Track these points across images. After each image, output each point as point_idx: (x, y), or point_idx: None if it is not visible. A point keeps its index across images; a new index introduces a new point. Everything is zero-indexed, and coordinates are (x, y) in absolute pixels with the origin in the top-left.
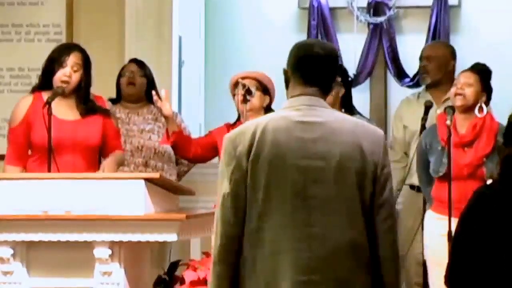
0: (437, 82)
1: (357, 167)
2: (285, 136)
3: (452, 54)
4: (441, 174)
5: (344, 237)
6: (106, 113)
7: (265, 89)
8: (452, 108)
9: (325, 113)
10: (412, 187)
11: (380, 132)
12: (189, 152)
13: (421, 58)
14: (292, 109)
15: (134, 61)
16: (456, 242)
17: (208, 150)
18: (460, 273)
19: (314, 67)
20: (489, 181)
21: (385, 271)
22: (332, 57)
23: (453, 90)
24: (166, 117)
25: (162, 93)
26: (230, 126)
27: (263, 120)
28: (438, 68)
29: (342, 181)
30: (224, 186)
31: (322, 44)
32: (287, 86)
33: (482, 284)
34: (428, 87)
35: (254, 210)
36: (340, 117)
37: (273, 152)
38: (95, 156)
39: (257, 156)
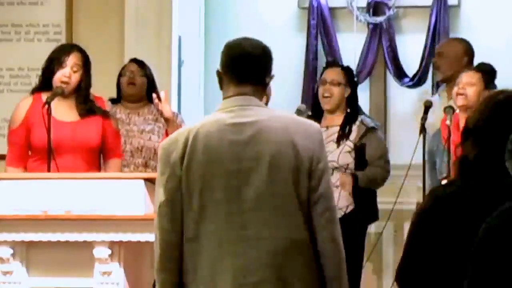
0: (449, 78)
1: (291, 164)
2: (217, 140)
3: (466, 50)
4: (444, 175)
5: (280, 236)
6: (105, 114)
7: None
8: (452, 108)
9: (258, 112)
10: None
11: (316, 126)
12: None
13: (434, 54)
14: (225, 111)
15: (134, 60)
16: (411, 240)
17: None
18: (412, 273)
19: (246, 66)
20: (444, 181)
21: (325, 265)
22: (264, 54)
23: (455, 89)
24: (166, 119)
25: (162, 94)
26: None
27: (195, 126)
28: (449, 65)
29: (275, 180)
30: (159, 195)
31: (253, 42)
32: (221, 87)
33: (434, 284)
34: (442, 82)
35: (190, 217)
36: (273, 115)
37: (205, 158)
38: (95, 157)
39: (190, 163)
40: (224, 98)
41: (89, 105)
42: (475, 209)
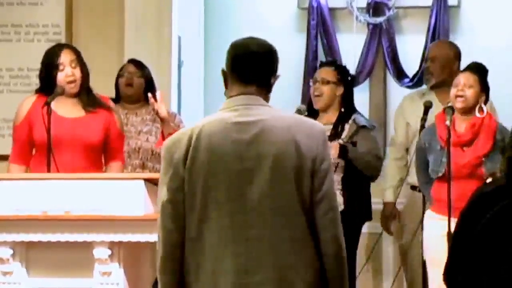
0: (441, 83)
1: (294, 164)
2: (221, 139)
3: (456, 54)
4: (440, 174)
5: (283, 236)
6: (110, 110)
7: None
8: (452, 109)
9: (262, 112)
10: (412, 187)
11: (319, 126)
12: None
13: (426, 59)
14: (229, 110)
15: (132, 61)
16: (455, 239)
17: None
18: (459, 271)
19: (251, 65)
20: (488, 180)
21: (328, 266)
22: (269, 54)
23: (453, 91)
24: (161, 119)
25: (158, 94)
26: None
27: (199, 124)
28: (442, 69)
29: (278, 179)
30: (162, 194)
31: (259, 42)
32: (226, 86)
33: (480, 283)
34: (434, 87)
35: (193, 216)
36: (277, 114)
37: (208, 157)
38: (96, 154)
39: (193, 162)
40: (229, 97)
41: (92, 96)
42: None
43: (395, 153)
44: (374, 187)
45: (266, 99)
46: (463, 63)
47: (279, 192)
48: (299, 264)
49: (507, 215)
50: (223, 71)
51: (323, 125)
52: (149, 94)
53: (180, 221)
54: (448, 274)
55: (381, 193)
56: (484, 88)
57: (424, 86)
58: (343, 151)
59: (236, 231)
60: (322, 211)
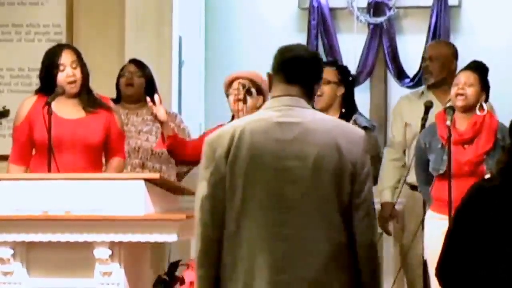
0: (440, 82)
1: (334, 167)
2: (263, 137)
3: (454, 53)
4: (441, 171)
5: (319, 237)
6: (110, 110)
7: (259, 89)
8: (452, 109)
9: (304, 114)
10: (412, 187)
11: (360, 131)
12: (184, 155)
13: (424, 59)
14: (272, 110)
15: (133, 61)
16: (451, 235)
17: None
18: (453, 267)
19: (297, 67)
20: (486, 176)
21: (362, 271)
22: (316, 60)
23: (453, 90)
24: (161, 122)
25: (156, 98)
26: None
27: (241, 122)
28: (441, 68)
29: (318, 181)
30: (202, 189)
31: (306, 48)
32: (270, 89)
33: (474, 280)
34: (431, 87)
35: (232, 212)
36: (319, 117)
37: (250, 154)
38: (96, 155)
39: (235, 158)
40: (272, 97)
41: (93, 96)
42: None
43: (392, 153)
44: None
45: (309, 102)
46: (464, 63)
47: (318, 193)
48: (335, 266)
49: (505, 214)
50: (268, 74)
51: None
52: (148, 98)
53: (218, 216)
54: (442, 270)
55: (379, 193)
56: (484, 87)
57: (421, 87)
58: None
59: (274, 229)
60: (361, 215)
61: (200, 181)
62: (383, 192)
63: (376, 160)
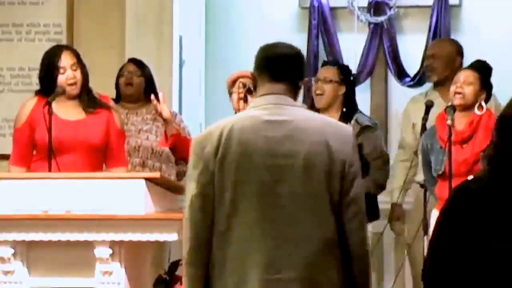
0: (443, 80)
1: (324, 165)
2: (252, 135)
3: (458, 51)
4: (440, 172)
5: (311, 235)
6: (110, 110)
7: None
8: (453, 108)
9: (292, 112)
10: (421, 185)
11: (349, 130)
12: (187, 154)
13: (426, 57)
14: (259, 108)
15: (132, 61)
16: (436, 239)
17: None
18: (439, 272)
19: (282, 64)
20: (470, 177)
21: (355, 270)
22: (298, 56)
23: (452, 88)
24: (164, 120)
25: (160, 95)
26: None
27: (230, 120)
28: (444, 66)
29: (309, 179)
30: (191, 188)
31: (288, 45)
32: (255, 88)
33: (460, 280)
34: (435, 85)
35: (222, 210)
36: (308, 115)
37: (240, 152)
38: (97, 157)
39: (224, 156)
40: (259, 96)
41: (92, 96)
42: (503, 205)
43: (403, 155)
44: None
45: (295, 99)
46: (465, 63)
47: (310, 192)
48: (327, 264)
49: (492, 214)
50: (252, 74)
51: None
52: (152, 96)
53: (208, 215)
54: (428, 276)
55: (388, 193)
56: (484, 86)
57: (427, 87)
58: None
59: (265, 226)
60: (351, 214)
61: (189, 180)
62: (393, 192)
63: (383, 161)
